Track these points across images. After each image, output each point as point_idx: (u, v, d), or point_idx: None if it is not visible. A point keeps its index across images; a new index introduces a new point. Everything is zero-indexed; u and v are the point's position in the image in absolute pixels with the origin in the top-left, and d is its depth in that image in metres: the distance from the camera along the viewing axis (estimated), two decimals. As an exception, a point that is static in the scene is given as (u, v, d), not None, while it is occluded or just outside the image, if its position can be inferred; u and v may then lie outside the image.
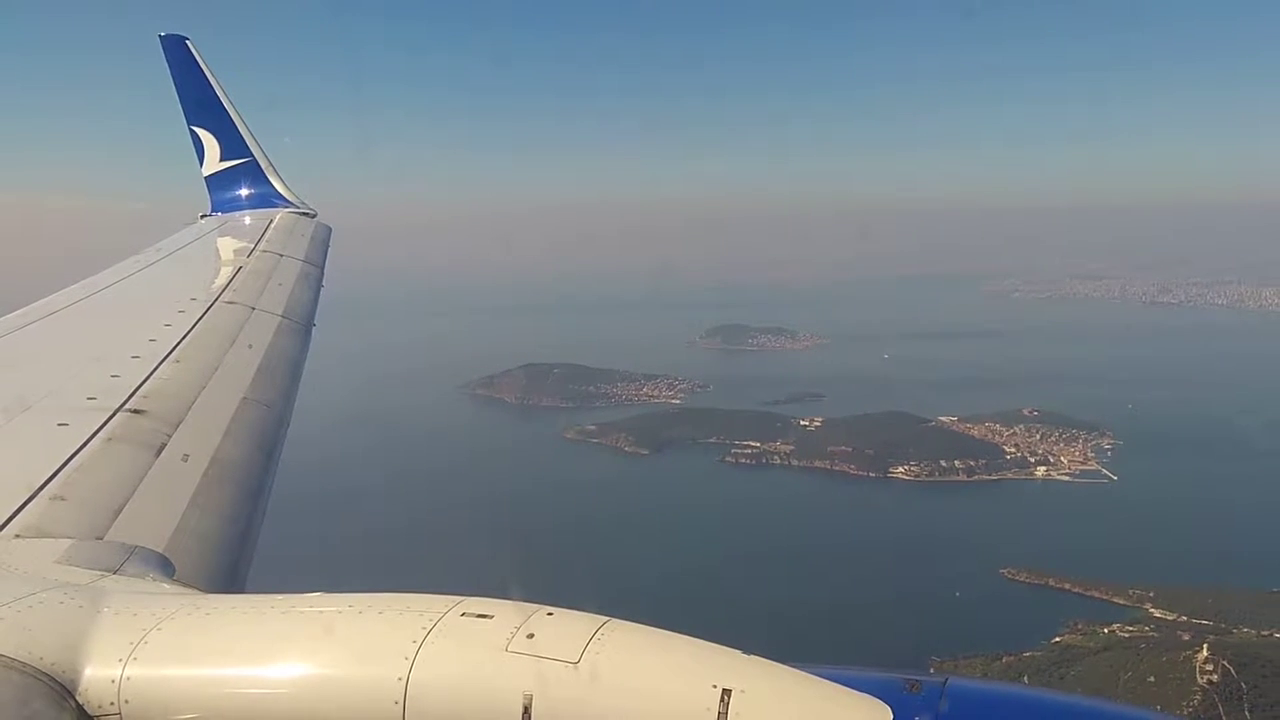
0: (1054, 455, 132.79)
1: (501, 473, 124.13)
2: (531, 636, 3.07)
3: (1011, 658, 74.64)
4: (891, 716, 2.94)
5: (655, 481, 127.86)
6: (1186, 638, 74.55)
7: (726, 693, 2.88)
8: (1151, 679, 63.62)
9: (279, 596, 3.59)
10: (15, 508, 4.87)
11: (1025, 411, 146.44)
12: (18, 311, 9.62)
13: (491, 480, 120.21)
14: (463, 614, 3.21)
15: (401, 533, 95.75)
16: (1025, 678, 69.78)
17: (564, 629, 3.11)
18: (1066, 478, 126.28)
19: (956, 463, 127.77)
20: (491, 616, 3.19)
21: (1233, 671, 62.24)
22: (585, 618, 3.17)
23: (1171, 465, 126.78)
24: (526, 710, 2.96)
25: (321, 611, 3.46)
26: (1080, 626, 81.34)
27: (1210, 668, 62.28)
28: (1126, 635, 77.82)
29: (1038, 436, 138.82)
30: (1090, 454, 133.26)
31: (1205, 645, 65.45)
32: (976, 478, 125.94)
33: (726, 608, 76.86)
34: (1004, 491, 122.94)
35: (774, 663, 3.05)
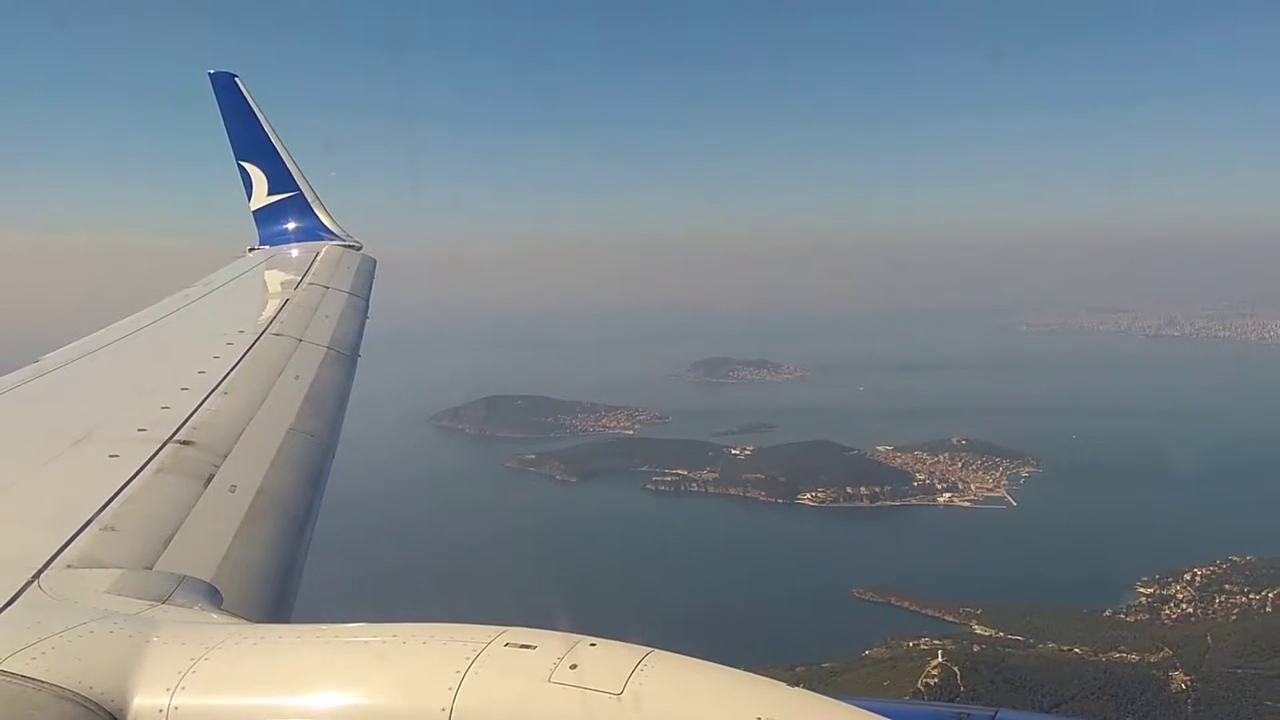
0: (965, 482, 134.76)
1: (420, 497, 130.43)
2: (575, 667, 3.07)
3: (803, 668, 78.21)
4: None
5: (567, 506, 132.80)
6: (977, 649, 78.30)
7: None
8: (887, 683, 67.09)
9: (324, 626, 3.65)
10: (67, 538, 4.93)
11: (954, 440, 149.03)
12: (71, 345, 9.82)
13: (408, 506, 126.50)
14: (506, 644, 3.24)
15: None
16: (800, 684, 73.74)
17: (607, 660, 3.12)
18: (968, 504, 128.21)
19: (862, 489, 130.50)
20: (535, 647, 3.20)
21: (958, 676, 65.66)
22: (628, 648, 3.17)
23: (1080, 493, 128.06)
24: None
25: (366, 641, 3.49)
26: (891, 641, 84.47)
27: (935, 672, 65.74)
28: (923, 648, 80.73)
29: (959, 464, 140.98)
30: (1004, 481, 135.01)
31: (940, 653, 69.01)
32: (880, 503, 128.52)
33: (559, 612, 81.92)
34: (899, 516, 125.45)
35: (819, 695, 3.08)
